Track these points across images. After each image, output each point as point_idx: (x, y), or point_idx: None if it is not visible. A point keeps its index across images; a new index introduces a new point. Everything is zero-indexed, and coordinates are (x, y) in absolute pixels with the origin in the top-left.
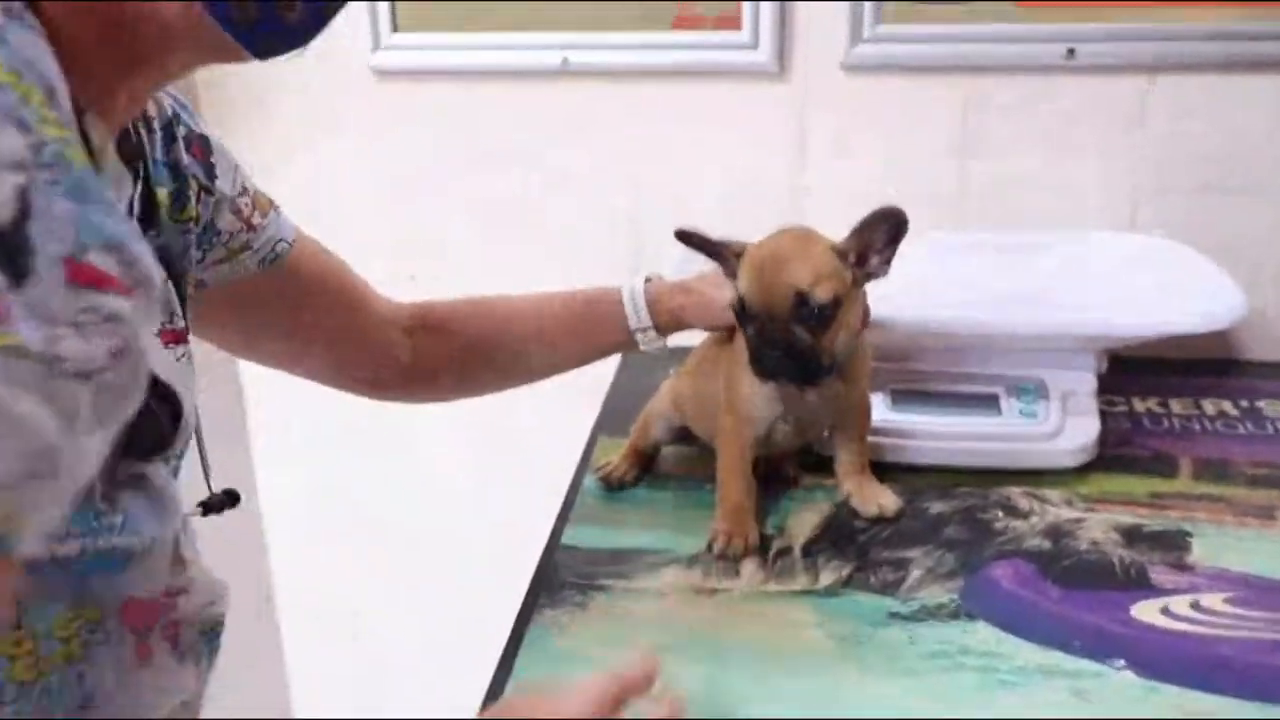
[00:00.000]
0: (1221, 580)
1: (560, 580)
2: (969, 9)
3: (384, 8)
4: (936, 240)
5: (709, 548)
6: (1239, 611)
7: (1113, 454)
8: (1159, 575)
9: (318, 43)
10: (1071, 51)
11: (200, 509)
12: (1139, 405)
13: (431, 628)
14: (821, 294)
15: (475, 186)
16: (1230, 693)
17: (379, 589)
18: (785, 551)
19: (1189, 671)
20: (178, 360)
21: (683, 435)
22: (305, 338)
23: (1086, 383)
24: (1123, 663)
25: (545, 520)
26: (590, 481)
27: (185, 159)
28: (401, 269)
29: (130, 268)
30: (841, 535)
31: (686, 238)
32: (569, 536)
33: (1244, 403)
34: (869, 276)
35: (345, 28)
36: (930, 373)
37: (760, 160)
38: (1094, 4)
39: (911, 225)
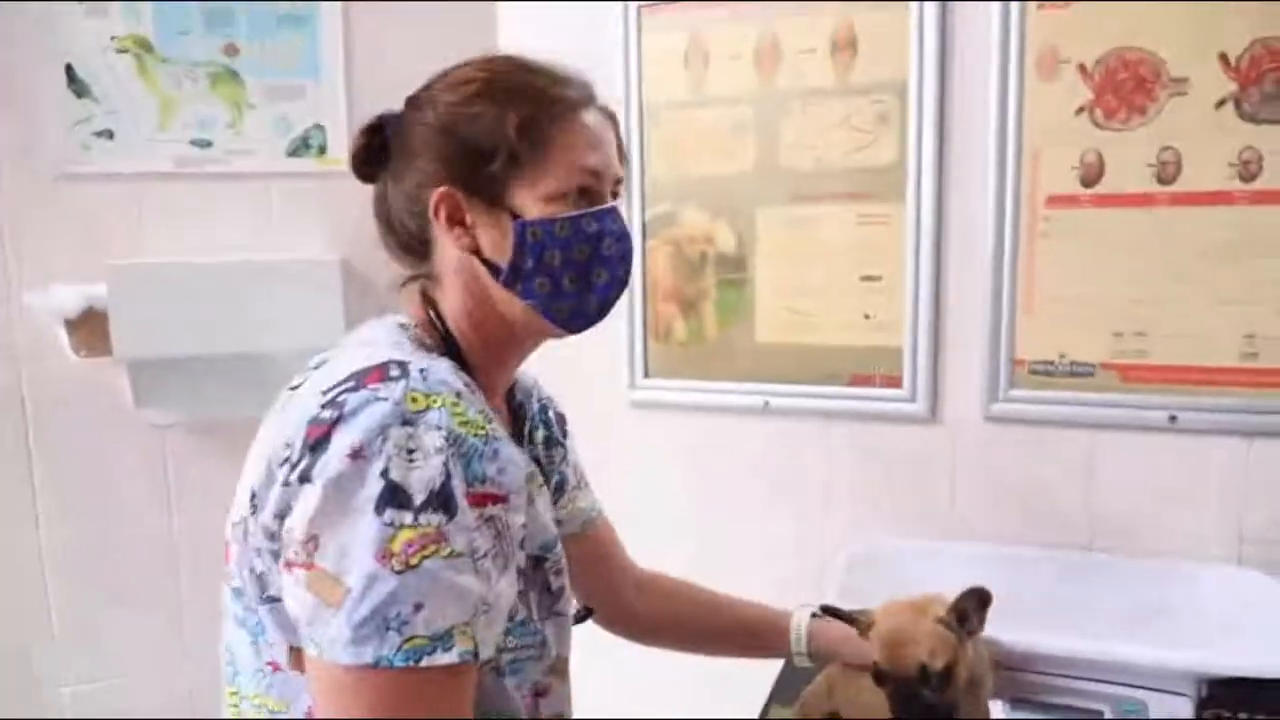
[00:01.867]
0: None
1: None
2: (1085, 382)
3: (639, 358)
4: (1062, 561)
5: None
6: None
7: None
8: None
9: (590, 380)
10: (1174, 418)
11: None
12: None
13: None
14: (939, 664)
15: (697, 494)
16: None
17: None
18: None
19: None
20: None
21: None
22: (582, 581)
23: (1185, 707)
24: None
25: None
26: None
27: (553, 420)
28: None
29: (500, 485)
30: None
31: (828, 611)
32: None
33: None
34: (971, 634)
35: (611, 371)
36: (1048, 684)
37: (915, 488)
38: (1191, 384)
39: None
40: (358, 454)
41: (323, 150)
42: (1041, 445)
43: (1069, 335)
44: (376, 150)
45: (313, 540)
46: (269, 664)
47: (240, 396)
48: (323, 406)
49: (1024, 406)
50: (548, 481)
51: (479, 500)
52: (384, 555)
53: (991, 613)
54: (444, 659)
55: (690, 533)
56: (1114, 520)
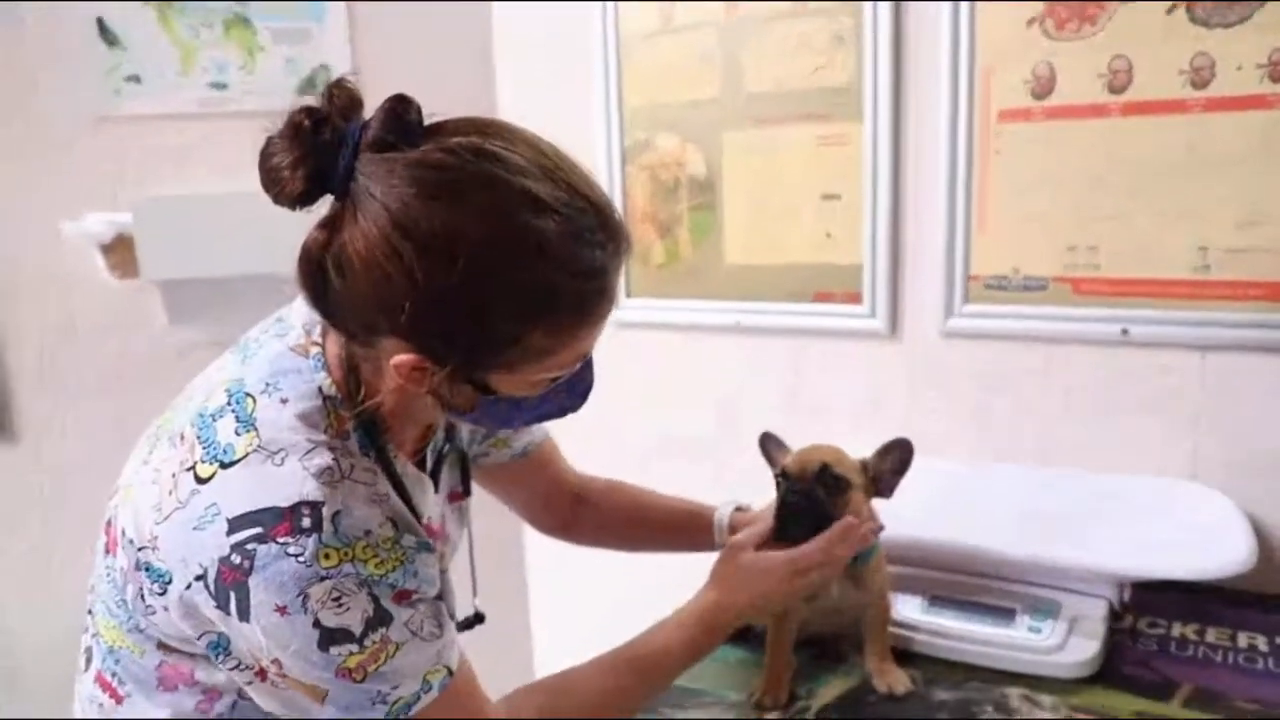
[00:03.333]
0: None
1: None
2: (1038, 296)
3: (622, 278)
4: (1016, 474)
5: (749, 697)
6: None
7: (1123, 672)
8: None
9: None
10: (1126, 331)
11: (458, 626)
12: (1177, 630)
13: None
14: (840, 470)
15: (676, 409)
16: None
17: None
18: (804, 710)
19: None
20: (455, 511)
21: None
22: (516, 495)
23: (1098, 607)
24: None
25: None
26: None
27: None
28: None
29: (419, 587)
30: (855, 705)
31: (768, 436)
32: None
33: (1278, 640)
34: (879, 493)
35: None
36: (967, 583)
37: (875, 400)
38: (1143, 296)
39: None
40: (284, 610)
41: None
42: (997, 359)
43: (1022, 249)
44: (317, 175)
45: (275, 663)
46: (128, 630)
47: (260, 316)
48: (233, 549)
49: (979, 321)
50: (465, 459)
51: (403, 596)
52: (343, 673)
53: (938, 519)
54: (429, 698)
55: (671, 446)
56: (1068, 434)
